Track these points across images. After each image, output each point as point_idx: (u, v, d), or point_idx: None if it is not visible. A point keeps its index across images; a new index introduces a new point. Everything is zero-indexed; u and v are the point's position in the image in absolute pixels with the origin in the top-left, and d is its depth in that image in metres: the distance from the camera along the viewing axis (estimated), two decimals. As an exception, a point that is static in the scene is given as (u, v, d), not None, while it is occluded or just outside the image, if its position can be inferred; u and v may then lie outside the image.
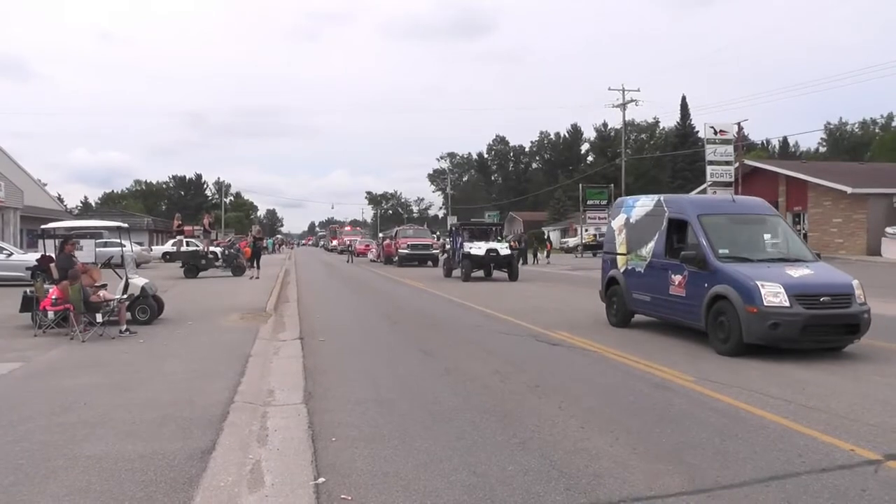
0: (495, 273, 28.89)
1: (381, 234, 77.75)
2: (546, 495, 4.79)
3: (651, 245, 12.37)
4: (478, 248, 28.03)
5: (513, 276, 27.81)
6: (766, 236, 12.01)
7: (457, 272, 29.31)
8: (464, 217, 78.21)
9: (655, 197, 13.08)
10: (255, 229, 35.31)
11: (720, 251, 10.78)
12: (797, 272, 10.28)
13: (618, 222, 13.94)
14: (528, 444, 5.92)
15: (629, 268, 13.08)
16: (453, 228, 33.39)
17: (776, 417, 6.69)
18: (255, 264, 28.99)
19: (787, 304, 9.57)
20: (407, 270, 36.01)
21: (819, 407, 7.10)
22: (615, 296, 13.53)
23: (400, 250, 41.23)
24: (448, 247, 33.73)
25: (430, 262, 40.56)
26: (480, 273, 28.61)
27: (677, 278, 11.39)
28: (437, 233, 61.31)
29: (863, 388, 7.92)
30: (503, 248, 28.29)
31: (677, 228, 11.88)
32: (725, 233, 11.39)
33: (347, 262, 49.31)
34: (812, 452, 5.65)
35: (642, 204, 13.24)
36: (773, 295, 9.65)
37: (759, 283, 9.83)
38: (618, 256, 13.65)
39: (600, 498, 4.76)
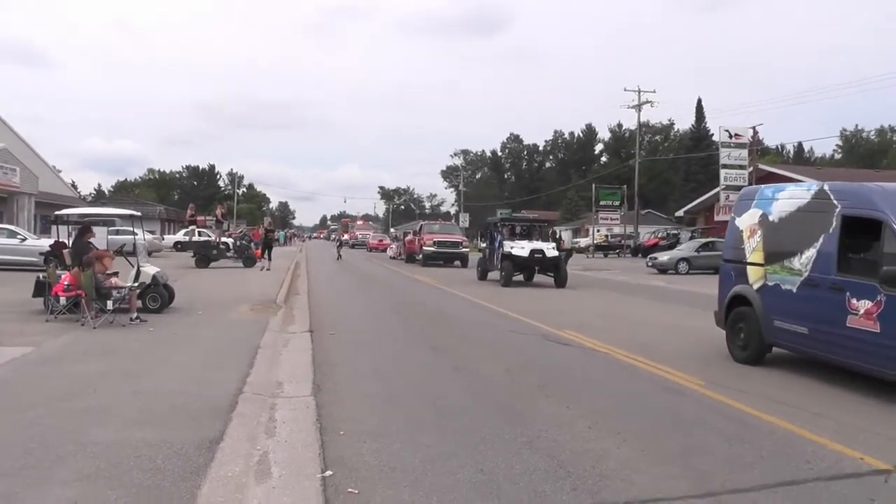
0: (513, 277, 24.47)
1: (393, 230, 77.43)
2: (552, 495, 4.79)
3: (811, 253, 8.88)
4: (520, 247, 24.18)
5: (560, 282, 23.88)
6: None
7: (493, 275, 25.54)
8: (477, 214, 77.78)
9: (812, 184, 9.73)
10: (267, 221, 35.69)
11: None
12: None
13: (748, 220, 10.36)
14: (535, 443, 5.92)
15: (770, 284, 9.50)
16: (491, 225, 28.04)
17: (785, 423, 6.65)
18: (266, 256, 29.39)
19: None
20: (430, 270, 32.48)
21: (828, 414, 7.07)
22: (743, 321, 10.02)
23: (424, 247, 36.84)
24: (484, 246, 29.40)
25: (457, 262, 36.65)
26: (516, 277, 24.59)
27: (863, 304, 7.93)
28: None
29: (874, 397, 7.85)
30: (550, 249, 24.47)
31: (857, 230, 8.47)
32: None
33: (337, 258, 44.39)
34: (820, 460, 5.62)
35: (791, 195, 9.72)
36: None
37: None
38: (748, 267, 10.08)
39: (606, 499, 4.75)
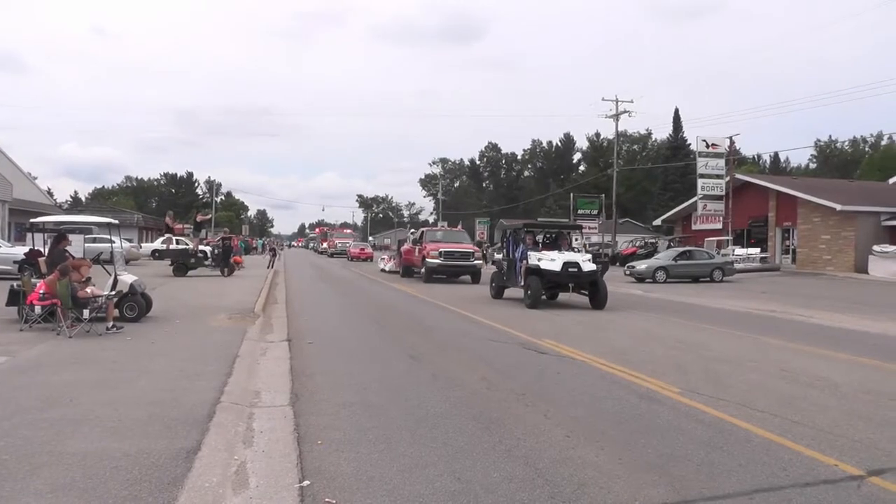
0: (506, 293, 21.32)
1: (371, 238, 77.00)
2: (530, 503, 4.80)
3: None
4: (550, 260, 19.46)
5: (599, 302, 19.28)
6: None
7: (512, 292, 21.56)
8: (455, 223, 77.57)
9: None
10: (226, 230, 36.49)
11: None
12: None
13: None
14: (513, 452, 5.93)
15: None
16: (511, 232, 23.01)
17: (762, 431, 6.71)
18: (225, 263, 30.52)
19: None
20: (432, 287, 27.09)
21: (804, 422, 7.14)
22: None
23: (427, 259, 29.82)
24: (500, 257, 24.44)
25: (464, 276, 30.73)
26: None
27: None
28: None
29: (848, 405, 7.95)
30: (585, 262, 19.67)
31: None
32: None
33: (268, 266, 37.95)
34: (796, 466, 5.67)
35: None
36: None
37: None
38: None
39: (585, 507, 4.77)
